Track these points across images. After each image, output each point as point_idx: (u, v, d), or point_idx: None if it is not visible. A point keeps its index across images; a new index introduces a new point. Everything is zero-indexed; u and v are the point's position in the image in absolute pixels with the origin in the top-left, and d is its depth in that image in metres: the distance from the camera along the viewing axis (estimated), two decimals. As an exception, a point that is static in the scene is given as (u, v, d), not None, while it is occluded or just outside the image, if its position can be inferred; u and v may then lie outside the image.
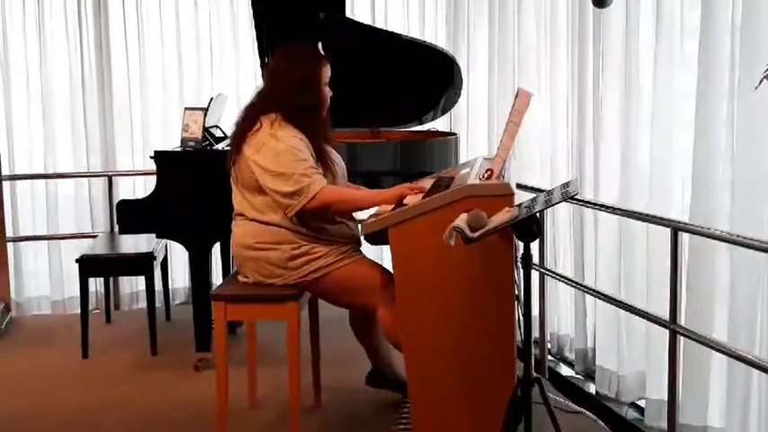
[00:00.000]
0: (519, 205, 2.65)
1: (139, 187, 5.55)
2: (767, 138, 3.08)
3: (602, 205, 3.97)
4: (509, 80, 5.08)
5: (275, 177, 3.15)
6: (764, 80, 2.06)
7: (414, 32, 5.72)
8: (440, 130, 5.14)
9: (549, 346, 4.57)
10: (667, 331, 3.28)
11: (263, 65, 4.46)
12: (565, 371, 4.51)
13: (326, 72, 3.32)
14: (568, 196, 2.51)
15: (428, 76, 4.84)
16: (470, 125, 5.61)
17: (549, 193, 2.61)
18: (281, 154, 3.16)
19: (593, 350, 4.34)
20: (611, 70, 4.06)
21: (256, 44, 4.54)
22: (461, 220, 2.50)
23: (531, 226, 2.47)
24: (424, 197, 3.07)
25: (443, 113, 5.11)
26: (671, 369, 3.26)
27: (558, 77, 4.58)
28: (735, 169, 3.24)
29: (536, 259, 4.30)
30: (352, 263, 3.26)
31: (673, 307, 3.23)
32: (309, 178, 3.15)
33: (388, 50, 4.70)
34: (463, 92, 4.97)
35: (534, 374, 2.63)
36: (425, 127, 5.10)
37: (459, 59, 5.00)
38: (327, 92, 3.33)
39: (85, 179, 5.66)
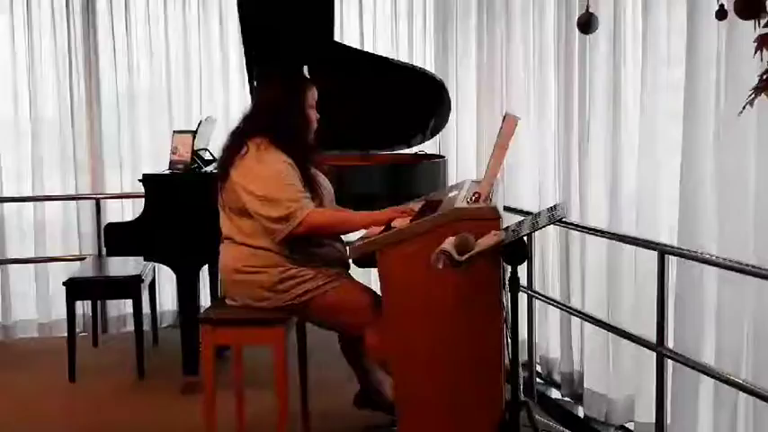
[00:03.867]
0: (506, 228, 2.66)
1: (128, 210, 5.54)
2: (753, 161, 3.11)
3: (589, 228, 3.98)
4: (497, 104, 5.11)
5: (263, 203, 3.16)
6: (748, 106, 2.08)
7: (402, 56, 5.75)
8: (428, 152, 5.16)
9: (537, 368, 4.57)
10: (654, 354, 3.29)
11: (251, 89, 4.47)
12: (554, 394, 4.51)
13: (312, 95, 3.33)
14: (555, 219, 2.52)
15: (417, 99, 4.85)
16: (459, 148, 5.63)
17: (536, 216, 2.62)
18: (268, 179, 3.16)
19: (581, 373, 4.34)
20: (597, 94, 4.08)
21: (245, 68, 4.55)
22: (449, 244, 2.50)
23: (518, 249, 2.48)
24: (411, 220, 3.08)
25: (432, 136, 5.12)
26: (658, 391, 3.26)
27: (546, 101, 4.61)
28: (721, 192, 3.26)
29: (524, 282, 4.31)
30: (340, 286, 3.26)
31: (660, 330, 3.24)
32: (297, 203, 3.15)
33: (376, 74, 4.72)
34: (452, 115, 4.99)
35: (522, 397, 2.63)
36: (414, 150, 5.11)
37: (447, 83, 5.02)
38: (314, 115, 3.34)
39: (73, 202, 5.64)
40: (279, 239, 3.17)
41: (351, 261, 3.24)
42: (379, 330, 3.08)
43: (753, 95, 2.06)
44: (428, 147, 5.26)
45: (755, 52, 2.02)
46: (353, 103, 4.70)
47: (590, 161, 4.17)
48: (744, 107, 2.06)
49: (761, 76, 2.06)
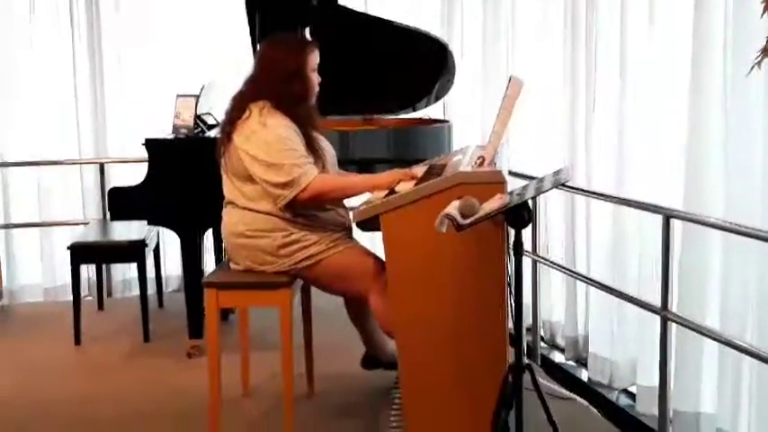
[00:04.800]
0: (510, 192, 2.65)
1: (132, 175, 5.52)
2: (760, 125, 3.08)
3: (594, 192, 3.97)
4: (502, 67, 5.07)
5: (266, 168, 3.14)
6: (756, 67, 2.05)
7: (407, 20, 5.69)
8: (433, 117, 5.13)
9: (541, 332, 4.58)
10: (659, 318, 3.29)
11: (255, 52, 4.44)
12: (558, 358, 4.53)
13: (314, 58, 3.30)
14: (559, 183, 2.50)
15: (421, 63, 4.82)
16: (464, 112, 5.59)
17: (541, 180, 2.61)
18: (271, 143, 3.15)
19: (586, 337, 4.36)
20: (604, 57, 4.06)
21: (248, 31, 4.51)
22: (453, 208, 2.49)
23: (522, 213, 2.46)
24: (416, 184, 3.06)
25: (437, 101, 5.09)
26: (662, 355, 3.27)
27: (552, 64, 4.58)
28: (728, 157, 3.24)
29: (528, 247, 4.31)
30: (343, 250, 3.25)
31: (664, 294, 3.24)
32: (301, 169, 3.14)
33: (381, 38, 4.68)
34: (457, 79, 4.95)
35: (525, 361, 2.63)
36: (419, 114, 5.09)
37: (452, 46, 4.98)
38: (316, 78, 3.31)
39: (77, 166, 5.63)
40: (282, 204, 3.17)
41: (354, 225, 3.23)
42: (383, 294, 3.08)
43: (760, 57, 2.03)
44: (433, 111, 5.24)
45: (762, 13, 1.99)
46: (358, 67, 4.67)
47: (596, 126, 4.15)
48: (751, 69, 2.04)
49: (769, 36, 2.03)
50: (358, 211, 3.01)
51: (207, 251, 4.73)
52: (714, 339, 3.19)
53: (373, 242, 4.43)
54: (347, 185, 3.29)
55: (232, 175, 3.26)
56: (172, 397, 3.77)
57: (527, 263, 4.39)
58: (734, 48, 3.13)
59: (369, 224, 3.05)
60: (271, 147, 3.15)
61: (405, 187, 3.06)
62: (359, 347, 3.66)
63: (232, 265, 3.34)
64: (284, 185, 3.14)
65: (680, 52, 3.50)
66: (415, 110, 5.07)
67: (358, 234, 3.40)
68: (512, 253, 2.54)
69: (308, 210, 3.22)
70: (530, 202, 2.49)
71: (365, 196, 3.28)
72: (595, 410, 3.63)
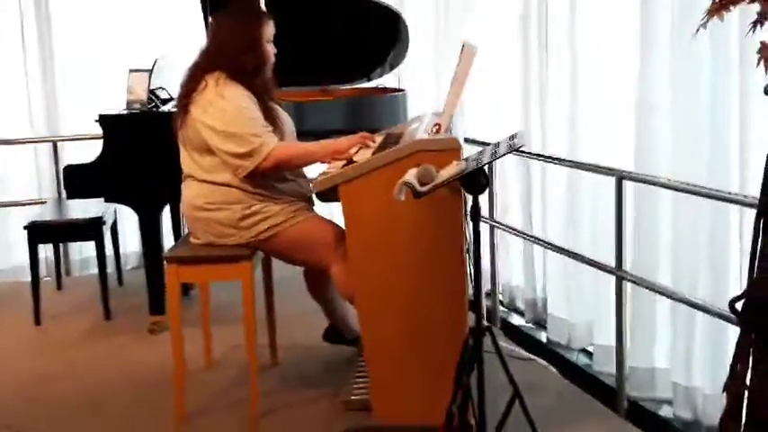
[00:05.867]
0: (467, 159, 2.68)
1: (87, 152, 5.45)
2: (707, 86, 3.15)
3: (548, 157, 4.03)
4: (455, 34, 5.09)
5: (225, 138, 3.14)
6: (702, 28, 2.10)
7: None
8: (388, 86, 5.14)
9: (501, 296, 4.66)
10: (614, 278, 3.37)
11: (207, 25, 4.40)
12: (517, 321, 4.61)
13: (269, 29, 3.29)
14: (515, 148, 2.54)
15: (374, 32, 4.83)
16: (418, 81, 5.61)
17: (496, 145, 2.64)
18: (229, 113, 3.14)
19: (544, 299, 4.44)
20: (556, 22, 4.10)
21: (200, 5, 4.47)
22: (411, 175, 2.52)
23: (479, 179, 2.49)
24: (374, 153, 3.09)
25: (391, 70, 5.10)
26: (618, 314, 3.35)
27: (506, 30, 4.61)
28: (676, 119, 3.31)
29: (486, 212, 4.37)
30: (304, 221, 3.27)
31: (618, 254, 3.32)
32: (260, 138, 3.14)
33: (334, 8, 4.68)
34: (411, 47, 4.97)
35: (485, 324, 2.68)
36: (374, 84, 5.10)
37: (405, 15, 4.99)
38: (271, 49, 3.30)
39: (31, 145, 5.56)
40: (242, 175, 3.16)
41: (314, 196, 3.25)
42: (344, 263, 3.11)
43: (706, 18, 2.08)
44: (389, 81, 5.25)
45: (709, -25, 2.04)
46: (312, 38, 4.67)
47: (550, 91, 4.20)
48: (697, 30, 2.08)
49: (713, -1, 2.08)
50: (316, 182, 3.03)
51: (165, 226, 4.71)
52: (668, 297, 3.27)
53: (331, 212, 4.47)
54: (308, 152, 3.29)
55: (190, 147, 3.25)
56: (135, 373, 3.77)
57: (485, 228, 4.45)
58: (681, 11, 3.19)
59: (328, 195, 3.07)
60: (229, 117, 3.14)
61: (363, 156, 3.09)
62: (321, 318, 3.70)
63: (192, 239, 3.34)
64: (244, 156, 3.13)
65: (629, 16, 3.54)
66: (369, 80, 5.08)
67: (318, 205, 3.41)
68: (470, 219, 2.58)
69: (268, 181, 3.23)
70: (486, 168, 2.53)
71: (324, 166, 3.30)
72: (554, 370, 3.71)
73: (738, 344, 2.17)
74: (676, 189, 3.16)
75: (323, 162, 3.30)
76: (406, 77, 5.64)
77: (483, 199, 4.25)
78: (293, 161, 3.23)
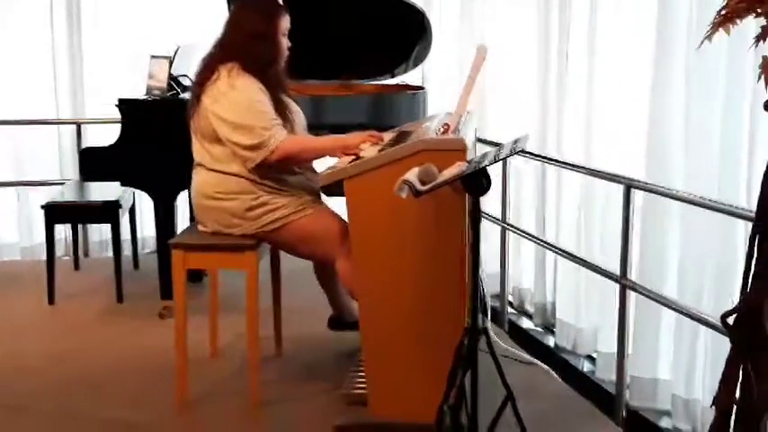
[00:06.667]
0: (470, 160, 2.69)
1: (109, 135, 5.52)
2: (721, 99, 3.12)
3: (559, 162, 4.02)
4: (478, 34, 5.08)
5: (235, 129, 3.17)
6: (707, 41, 2.09)
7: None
8: (409, 84, 5.15)
9: (511, 299, 4.65)
10: (618, 285, 3.35)
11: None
12: (526, 324, 4.60)
13: (285, 23, 3.31)
14: (516, 151, 2.54)
15: (399, 28, 4.84)
16: (442, 79, 5.61)
17: (500, 148, 2.64)
18: (240, 105, 3.17)
19: (554, 304, 4.43)
20: (576, 28, 4.08)
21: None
22: (412, 174, 2.52)
23: (480, 180, 2.50)
24: (381, 149, 3.10)
25: (415, 67, 5.11)
26: (620, 322, 3.33)
27: (526, 33, 4.59)
28: (688, 130, 3.28)
29: (498, 215, 4.36)
30: (311, 214, 3.29)
31: (623, 262, 3.30)
32: (270, 131, 3.16)
33: (358, 3, 4.69)
34: (435, 46, 4.97)
35: (483, 325, 2.68)
36: (396, 81, 5.11)
37: (429, 13, 4.99)
38: (285, 43, 3.32)
39: (55, 126, 5.63)
40: (251, 167, 3.19)
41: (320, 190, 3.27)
42: (349, 258, 3.13)
43: (711, 31, 2.07)
44: (412, 78, 5.25)
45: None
46: (336, 33, 4.68)
47: (568, 96, 4.19)
48: (701, 43, 2.07)
49: (719, 11, 2.06)
50: (322, 176, 3.05)
51: (181, 213, 4.76)
52: (671, 308, 3.25)
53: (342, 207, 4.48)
54: (316, 146, 3.31)
55: (201, 136, 3.28)
56: (142, 356, 3.82)
57: (496, 230, 4.45)
58: (698, 22, 3.16)
59: (333, 189, 3.09)
60: (240, 108, 3.17)
61: (370, 152, 3.10)
62: (326, 310, 3.72)
63: (200, 227, 3.38)
64: (252, 148, 3.16)
65: (646, 26, 3.52)
66: (393, 76, 5.09)
67: (327, 198, 3.43)
68: (468, 219, 2.58)
69: (276, 173, 3.25)
70: (498, 171, 2.53)
71: (331, 161, 3.31)
72: (555, 375, 3.70)
73: (729, 357, 2.16)
74: (683, 200, 3.14)
75: (332, 156, 3.31)
76: (430, 75, 5.64)
77: (494, 201, 4.27)
78: (301, 155, 3.25)
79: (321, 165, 3.41)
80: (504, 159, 2.57)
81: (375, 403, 3.07)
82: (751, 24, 2.16)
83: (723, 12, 2.05)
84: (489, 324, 4.05)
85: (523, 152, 2.65)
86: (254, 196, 3.24)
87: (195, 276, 4.51)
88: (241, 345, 3.79)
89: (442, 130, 3.02)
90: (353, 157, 3.16)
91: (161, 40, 5.16)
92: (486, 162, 2.50)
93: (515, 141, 2.64)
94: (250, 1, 3.34)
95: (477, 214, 2.57)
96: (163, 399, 3.38)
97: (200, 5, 5.48)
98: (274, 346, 3.80)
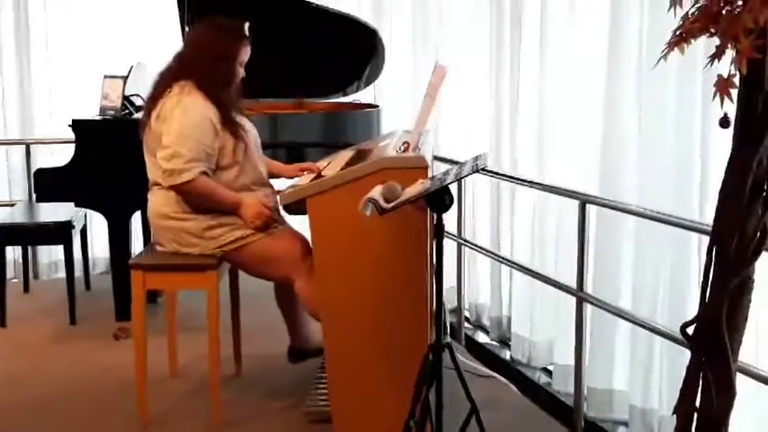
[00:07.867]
0: (432, 177, 2.72)
1: (59, 156, 5.45)
2: (673, 114, 3.21)
3: (514, 178, 4.08)
4: (431, 52, 5.15)
5: (163, 148, 3.17)
6: (663, 60, 2.15)
7: (335, 4, 5.73)
8: (363, 102, 5.19)
9: (467, 314, 4.69)
10: (574, 298, 3.41)
11: (183, 34, 4.43)
12: (482, 338, 4.65)
13: (245, 53, 3.30)
14: (477, 169, 2.58)
15: (351, 47, 4.88)
16: (394, 97, 5.66)
17: (461, 165, 2.68)
18: (179, 126, 3.15)
19: (509, 318, 4.48)
20: (527, 45, 4.16)
21: (178, 13, 4.50)
22: (376, 192, 2.55)
23: (443, 197, 2.53)
24: (342, 168, 3.12)
25: (367, 85, 5.16)
26: (577, 334, 3.39)
27: (480, 51, 4.67)
28: (641, 145, 3.37)
29: (454, 230, 4.41)
30: (269, 234, 3.27)
31: (580, 275, 3.36)
32: (190, 164, 3.13)
33: (311, 22, 4.72)
34: (387, 64, 5.02)
35: (446, 340, 2.71)
36: (349, 99, 5.14)
37: (381, 32, 5.04)
38: (241, 72, 3.32)
39: (3, 147, 5.54)
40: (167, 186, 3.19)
41: (282, 208, 3.27)
42: (309, 278, 3.13)
43: (666, 51, 2.13)
44: (365, 96, 5.29)
45: (669, 8, 2.09)
46: (289, 52, 4.70)
47: (521, 114, 4.26)
48: (657, 62, 2.13)
49: (674, 31, 2.13)
50: (284, 194, 3.06)
51: (135, 233, 4.72)
52: (627, 320, 3.32)
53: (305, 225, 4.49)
54: (220, 200, 3.21)
55: (151, 155, 3.27)
56: (98, 378, 3.77)
57: (453, 246, 4.50)
58: (648, 40, 3.25)
59: (295, 207, 3.09)
60: (176, 130, 3.15)
61: (331, 172, 3.12)
62: (286, 330, 3.71)
63: (158, 248, 3.35)
64: (165, 171, 3.16)
65: (597, 43, 3.61)
66: (345, 94, 5.13)
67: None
68: (430, 236, 2.61)
69: (236, 191, 3.24)
70: (454, 188, 2.57)
71: (293, 180, 3.32)
72: (514, 388, 3.74)
73: (689, 367, 2.21)
74: (638, 214, 3.22)
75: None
76: (382, 93, 5.69)
77: (453, 218, 4.32)
78: (201, 198, 3.20)
79: (282, 183, 3.41)
80: (465, 177, 2.61)
81: (339, 421, 3.07)
82: (700, 43, 2.24)
83: (678, 32, 2.11)
84: (449, 339, 4.08)
85: (483, 169, 2.69)
86: (212, 216, 3.22)
87: (151, 297, 4.46)
88: (200, 364, 3.76)
89: (402, 147, 3.05)
90: (315, 175, 3.17)
91: (115, 59, 5.12)
92: (450, 179, 2.54)
93: (476, 159, 2.68)
94: (217, 21, 3.32)
95: (441, 231, 2.60)
96: (120, 421, 3.34)
97: (154, 25, 5.46)
98: (234, 365, 3.77)
